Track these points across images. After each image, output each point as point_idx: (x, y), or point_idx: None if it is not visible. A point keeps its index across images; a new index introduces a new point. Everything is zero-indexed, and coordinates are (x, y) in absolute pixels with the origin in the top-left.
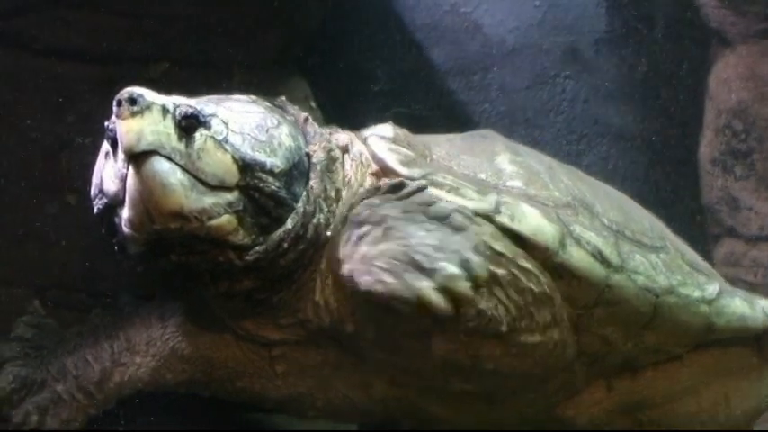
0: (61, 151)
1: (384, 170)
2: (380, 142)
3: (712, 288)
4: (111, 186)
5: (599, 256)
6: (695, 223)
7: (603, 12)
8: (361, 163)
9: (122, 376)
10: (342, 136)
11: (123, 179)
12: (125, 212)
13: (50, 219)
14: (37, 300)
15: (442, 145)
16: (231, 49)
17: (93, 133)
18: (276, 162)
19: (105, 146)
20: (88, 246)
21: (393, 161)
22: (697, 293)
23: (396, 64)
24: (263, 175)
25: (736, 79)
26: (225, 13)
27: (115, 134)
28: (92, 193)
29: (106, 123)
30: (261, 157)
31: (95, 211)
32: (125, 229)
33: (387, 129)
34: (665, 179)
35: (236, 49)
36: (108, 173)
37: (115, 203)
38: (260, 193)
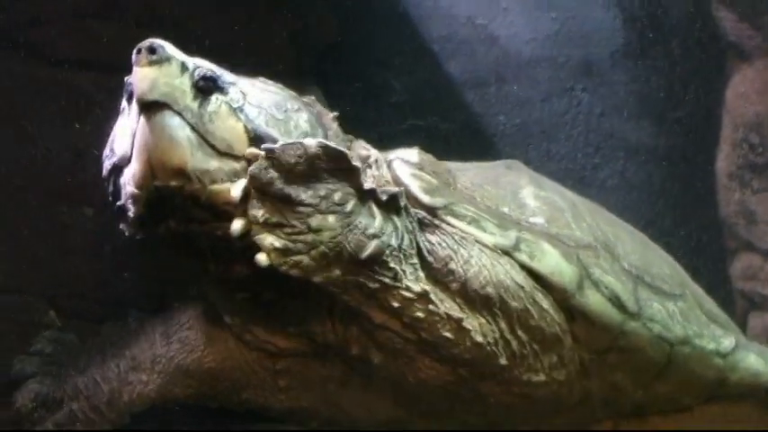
0: (78, 162)
1: (406, 196)
2: (404, 167)
3: (728, 342)
4: (121, 143)
5: (616, 302)
6: (712, 237)
7: (619, 25)
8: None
9: (131, 395)
10: (364, 152)
11: (134, 134)
12: (131, 167)
13: (66, 229)
14: (52, 310)
15: (468, 174)
16: (245, 60)
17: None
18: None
19: (123, 103)
20: (103, 257)
21: (416, 188)
22: (712, 346)
23: (411, 76)
24: None
25: (753, 93)
26: (239, 25)
27: (132, 87)
28: (104, 153)
29: (126, 78)
30: (274, 133)
31: (103, 172)
32: (128, 188)
33: (413, 153)
34: (682, 193)
35: (250, 60)
36: (121, 128)
37: (122, 163)
38: None
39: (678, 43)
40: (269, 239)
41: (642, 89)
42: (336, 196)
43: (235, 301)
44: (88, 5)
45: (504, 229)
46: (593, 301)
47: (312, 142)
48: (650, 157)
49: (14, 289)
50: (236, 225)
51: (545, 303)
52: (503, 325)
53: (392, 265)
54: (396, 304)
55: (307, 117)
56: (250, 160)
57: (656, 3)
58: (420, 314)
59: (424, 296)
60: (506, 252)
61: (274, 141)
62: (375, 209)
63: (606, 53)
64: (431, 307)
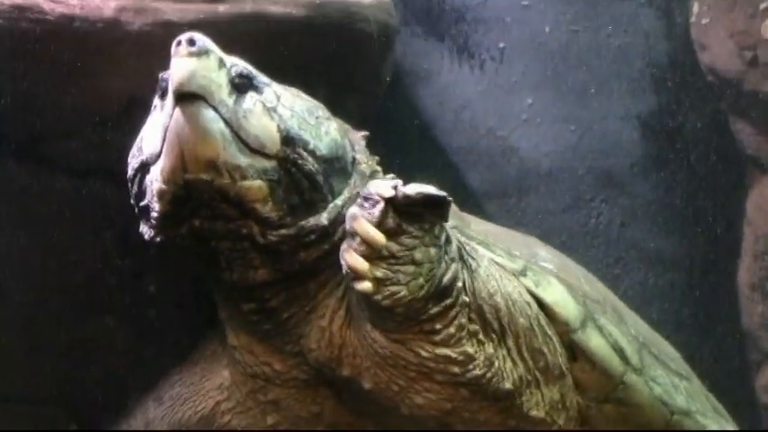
0: (101, 272)
1: None
2: None
3: (732, 429)
4: (151, 140)
5: (619, 352)
6: (736, 350)
7: (639, 136)
8: None
9: None
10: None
11: (166, 129)
12: (160, 162)
13: (88, 340)
14: (73, 422)
15: (481, 225)
16: None
17: (131, 255)
18: (319, 145)
19: (155, 100)
20: (124, 368)
21: None
22: (715, 427)
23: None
24: (304, 153)
25: None
26: None
27: (167, 83)
28: (131, 153)
29: (161, 74)
30: (306, 135)
31: (129, 172)
32: (155, 184)
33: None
34: (704, 304)
35: None
36: (152, 124)
37: (151, 161)
38: (297, 168)
39: (697, 155)
40: (365, 267)
41: (662, 200)
42: (436, 229)
43: (241, 314)
44: (108, 116)
45: (513, 257)
46: (596, 342)
47: (416, 190)
48: (671, 269)
49: (36, 399)
50: (365, 285)
51: (549, 330)
52: (510, 343)
53: (459, 284)
54: (438, 326)
55: (336, 126)
56: (281, 159)
57: (675, 115)
58: (452, 330)
59: (465, 308)
60: (513, 275)
61: (306, 144)
62: (451, 234)
63: (626, 165)
64: (463, 321)
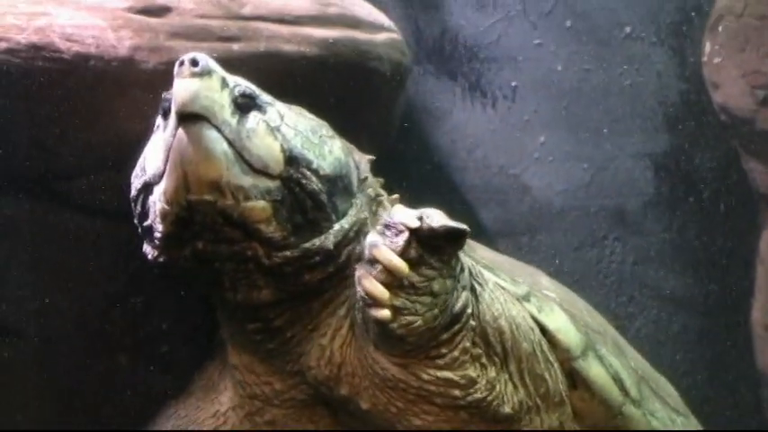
0: (113, 310)
1: None
2: None
3: None
4: (153, 160)
5: (618, 383)
6: (751, 390)
7: (651, 175)
8: None
9: None
10: (391, 201)
11: (169, 149)
12: (163, 182)
13: (100, 379)
14: None
15: (487, 252)
16: None
17: (144, 292)
18: (323, 165)
19: (158, 120)
20: (136, 409)
21: None
22: None
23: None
24: (308, 173)
25: None
26: None
27: (170, 103)
28: (133, 173)
29: (164, 94)
30: (309, 155)
31: (132, 192)
32: (158, 205)
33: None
34: (718, 344)
35: None
36: (155, 144)
37: (154, 181)
38: (301, 188)
39: (710, 194)
40: (386, 295)
41: (675, 239)
42: (453, 261)
43: (245, 333)
44: (122, 154)
45: (516, 283)
46: (596, 371)
47: (440, 223)
48: (685, 308)
49: None
50: (384, 313)
51: (551, 357)
52: (512, 367)
53: (469, 311)
54: (444, 350)
55: (340, 144)
56: (284, 179)
57: (687, 154)
58: (456, 353)
59: (470, 332)
60: (516, 299)
61: (309, 163)
62: (464, 261)
63: (638, 203)
64: (467, 344)
